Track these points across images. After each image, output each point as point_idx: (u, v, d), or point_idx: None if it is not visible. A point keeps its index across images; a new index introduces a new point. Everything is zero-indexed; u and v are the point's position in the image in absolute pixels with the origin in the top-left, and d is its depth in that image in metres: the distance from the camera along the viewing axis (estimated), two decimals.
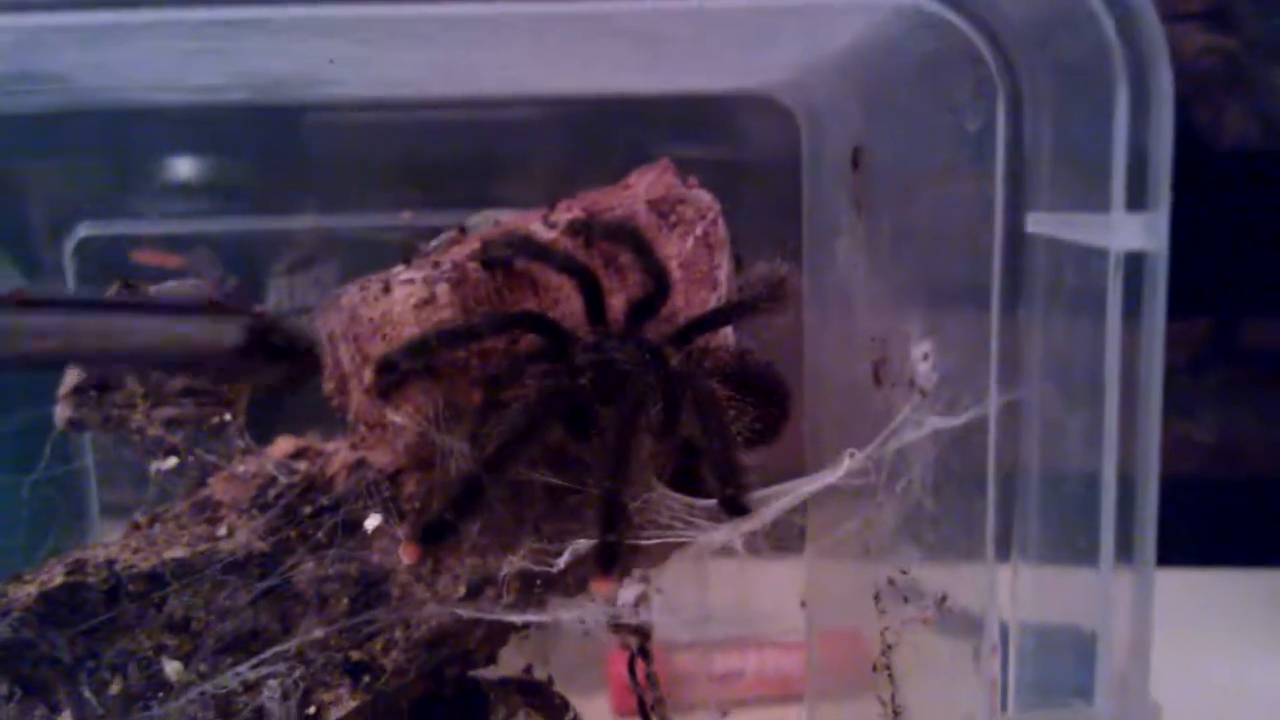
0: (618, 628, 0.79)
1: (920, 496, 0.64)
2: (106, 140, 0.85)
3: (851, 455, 0.63)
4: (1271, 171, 1.25)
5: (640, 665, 0.79)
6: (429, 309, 0.71)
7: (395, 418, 0.72)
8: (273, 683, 0.70)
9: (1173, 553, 0.56)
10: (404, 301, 0.71)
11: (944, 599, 0.63)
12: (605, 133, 0.86)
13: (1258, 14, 1.28)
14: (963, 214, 0.60)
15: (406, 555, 0.65)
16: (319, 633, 0.71)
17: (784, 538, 0.68)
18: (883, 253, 0.70)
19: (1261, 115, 1.28)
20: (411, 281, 0.71)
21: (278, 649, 0.70)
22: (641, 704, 0.79)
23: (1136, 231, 0.48)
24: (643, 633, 0.79)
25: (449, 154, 0.88)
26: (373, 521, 0.71)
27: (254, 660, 0.70)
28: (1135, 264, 0.49)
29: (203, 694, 0.70)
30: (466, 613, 0.69)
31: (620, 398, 0.64)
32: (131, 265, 0.86)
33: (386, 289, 0.72)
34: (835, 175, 0.76)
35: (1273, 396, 1.31)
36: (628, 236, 0.71)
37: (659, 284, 0.70)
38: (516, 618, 0.69)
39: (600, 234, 0.72)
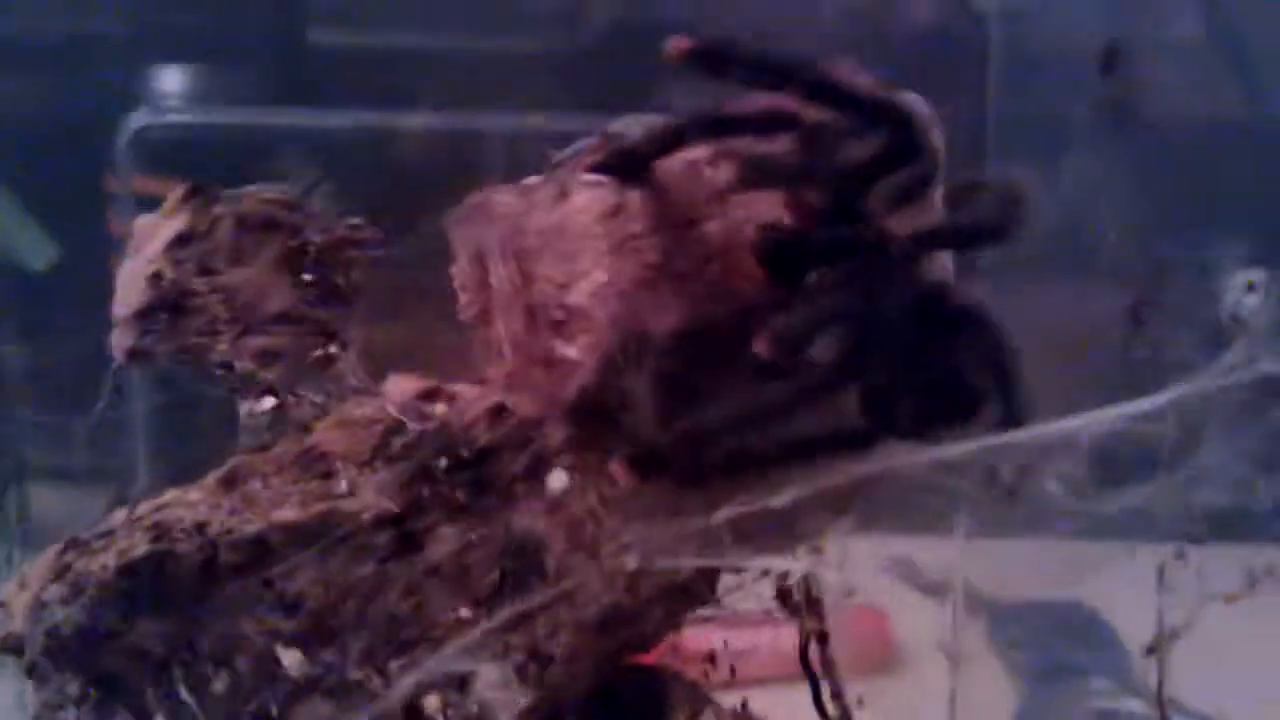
0: (787, 606, 0.69)
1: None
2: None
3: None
4: None
5: (815, 650, 0.68)
6: (619, 219, 0.58)
7: (568, 351, 0.59)
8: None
9: None
10: (587, 209, 0.58)
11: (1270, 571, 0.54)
12: None
13: None
14: None
15: (617, 472, 0.53)
16: (465, 612, 0.59)
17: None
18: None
19: None
20: (600, 185, 0.58)
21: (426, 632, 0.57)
22: (816, 693, 0.68)
23: None
24: (816, 611, 0.68)
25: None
26: (558, 481, 0.58)
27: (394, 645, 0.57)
28: None
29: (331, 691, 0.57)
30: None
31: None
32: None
33: (563, 194, 0.58)
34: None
35: None
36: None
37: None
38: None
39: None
